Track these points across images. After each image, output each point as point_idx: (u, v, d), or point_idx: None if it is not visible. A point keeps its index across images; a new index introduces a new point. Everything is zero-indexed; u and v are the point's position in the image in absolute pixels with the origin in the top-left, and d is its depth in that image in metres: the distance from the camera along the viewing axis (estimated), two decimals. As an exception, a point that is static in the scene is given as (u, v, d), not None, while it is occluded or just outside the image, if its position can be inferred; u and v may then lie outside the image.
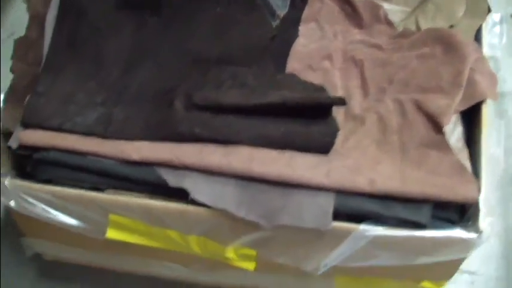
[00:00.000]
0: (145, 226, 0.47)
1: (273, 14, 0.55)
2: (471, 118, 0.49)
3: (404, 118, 0.48)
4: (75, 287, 0.65)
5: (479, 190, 0.44)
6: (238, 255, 0.48)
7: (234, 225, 0.45)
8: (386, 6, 0.56)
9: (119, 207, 0.46)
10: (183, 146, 0.46)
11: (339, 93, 0.51)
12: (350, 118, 0.49)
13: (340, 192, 0.44)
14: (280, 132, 0.46)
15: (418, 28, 0.54)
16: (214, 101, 0.47)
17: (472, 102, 0.48)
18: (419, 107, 0.48)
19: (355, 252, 0.44)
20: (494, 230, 0.45)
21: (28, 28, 0.54)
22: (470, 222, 0.44)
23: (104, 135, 0.48)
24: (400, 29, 0.55)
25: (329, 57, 0.53)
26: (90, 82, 0.51)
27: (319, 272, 0.46)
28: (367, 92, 0.51)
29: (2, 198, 0.47)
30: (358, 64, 0.52)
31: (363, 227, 0.43)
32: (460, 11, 0.54)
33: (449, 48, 0.50)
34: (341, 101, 0.47)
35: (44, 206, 0.47)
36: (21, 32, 0.59)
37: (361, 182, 0.43)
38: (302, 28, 0.55)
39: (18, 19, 0.87)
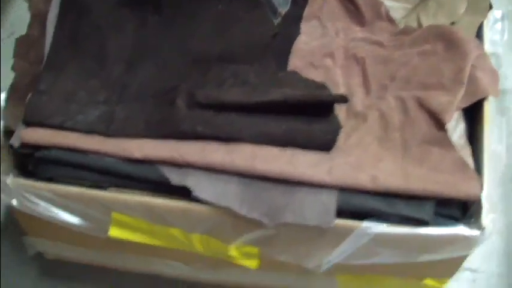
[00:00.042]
0: (147, 224, 0.47)
1: (275, 11, 0.55)
2: (473, 115, 0.50)
3: (406, 115, 0.48)
4: (77, 286, 0.65)
5: (481, 187, 0.44)
6: (240, 253, 0.48)
7: (236, 223, 0.45)
8: (387, 3, 0.56)
9: (121, 206, 0.46)
10: (185, 144, 0.46)
11: (341, 90, 0.51)
12: (352, 115, 0.49)
13: (342, 189, 0.44)
14: (283, 130, 0.45)
15: (420, 25, 0.54)
16: (216, 99, 0.47)
17: (474, 99, 0.48)
18: (421, 104, 0.48)
19: (358, 249, 0.44)
20: (495, 227, 0.45)
21: (29, 26, 0.54)
22: (472, 219, 0.44)
23: (106, 134, 0.47)
24: (401, 26, 0.55)
25: (331, 54, 0.53)
26: (91, 80, 0.51)
27: (322, 270, 0.46)
28: (368, 89, 0.51)
29: (3, 197, 0.47)
30: (360, 61, 0.52)
31: (365, 224, 0.43)
32: (462, 8, 0.54)
33: (451, 45, 0.50)
34: (343, 99, 0.47)
35: (46, 205, 0.47)
36: (21, 31, 0.59)
37: (363, 179, 0.43)
38: (304, 26, 0.55)
39: (18, 19, 0.87)
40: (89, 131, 0.48)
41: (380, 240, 0.43)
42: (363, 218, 0.43)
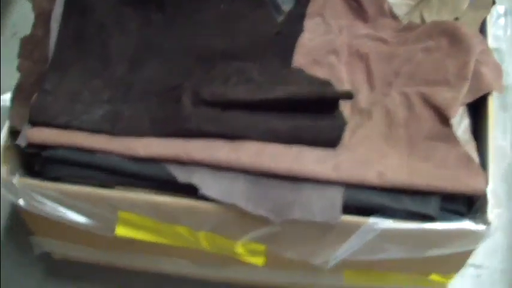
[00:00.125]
0: (154, 222, 0.47)
1: (278, 9, 0.55)
2: (477, 110, 0.50)
3: (411, 111, 0.48)
4: (83, 286, 0.65)
5: (486, 182, 0.44)
6: (247, 251, 0.48)
7: (242, 221, 0.45)
8: (390, 0, 0.56)
9: (128, 204, 0.46)
10: (191, 141, 0.46)
11: (345, 87, 0.51)
12: (356, 112, 0.49)
13: (348, 185, 0.44)
14: (288, 127, 0.46)
15: (423, 21, 0.54)
16: (221, 97, 0.47)
17: (478, 95, 0.48)
18: (426, 100, 0.48)
19: (364, 245, 0.44)
20: (499, 223, 0.45)
21: (34, 26, 0.54)
22: (478, 214, 0.44)
23: (112, 133, 0.47)
24: (404, 22, 0.55)
25: (334, 51, 0.53)
26: (96, 79, 0.51)
27: (329, 266, 0.46)
28: (373, 85, 0.51)
29: (11, 197, 0.47)
30: (364, 58, 0.52)
31: (371, 220, 0.43)
32: (465, 4, 0.54)
33: (455, 40, 0.50)
34: (348, 95, 0.47)
35: (52, 204, 0.47)
36: (24, 31, 0.59)
37: (369, 175, 0.44)
38: (307, 23, 0.55)
39: (20, 19, 0.87)
40: (94, 130, 0.48)
41: (386, 235, 0.43)
42: (369, 214, 0.43)
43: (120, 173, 0.46)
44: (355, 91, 0.50)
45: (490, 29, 0.53)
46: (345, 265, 0.47)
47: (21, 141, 0.47)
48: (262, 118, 0.46)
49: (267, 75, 0.50)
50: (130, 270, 0.62)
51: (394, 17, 0.55)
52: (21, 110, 0.49)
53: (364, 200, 0.44)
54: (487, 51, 0.50)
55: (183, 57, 0.53)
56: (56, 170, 0.47)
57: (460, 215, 0.44)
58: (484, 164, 0.46)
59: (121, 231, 0.48)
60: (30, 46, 0.52)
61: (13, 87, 0.52)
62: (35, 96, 0.49)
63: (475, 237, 0.44)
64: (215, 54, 0.52)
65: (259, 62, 0.52)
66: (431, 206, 0.43)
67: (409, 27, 0.54)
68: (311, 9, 0.56)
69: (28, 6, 0.60)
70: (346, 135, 0.47)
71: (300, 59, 0.53)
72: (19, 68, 0.52)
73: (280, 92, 0.46)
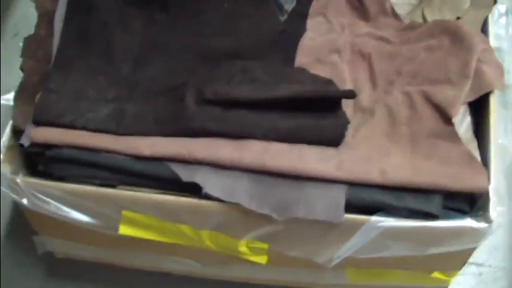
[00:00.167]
0: (157, 221, 0.47)
1: (281, 8, 0.55)
2: (478, 109, 0.50)
3: (413, 110, 0.48)
4: (85, 286, 0.65)
5: (488, 180, 0.44)
6: (250, 249, 0.48)
7: (246, 219, 0.45)
8: (392, -1, 0.56)
9: (132, 203, 0.46)
10: (194, 140, 0.46)
11: (348, 86, 0.51)
12: (359, 111, 0.50)
13: (351, 184, 0.44)
14: (291, 126, 0.46)
15: (425, 20, 0.55)
16: (225, 96, 0.47)
17: (480, 93, 0.48)
18: (428, 99, 0.48)
19: (368, 243, 0.44)
20: (501, 221, 0.45)
21: (37, 26, 0.54)
22: (480, 212, 0.44)
23: (116, 132, 0.48)
24: (406, 21, 0.55)
25: (337, 50, 0.53)
26: (100, 78, 0.51)
27: (332, 264, 0.46)
28: (375, 84, 0.51)
29: (15, 197, 0.47)
30: (366, 57, 0.53)
31: (374, 218, 0.43)
32: (466, 3, 0.54)
33: (456, 39, 0.50)
34: (351, 94, 0.47)
35: (56, 203, 0.47)
36: (25, 32, 0.59)
37: (372, 173, 0.44)
38: (309, 22, 0.56)
39: (21, 19, 0.87)
40: (99, 129, 0.48)
41: (389, 233, 0.44)
42: (372, 212, 0.44)
43: (123, 172, 0.46)
44: (358, 90, 0.50)
45: (492, 28, 0.53)
46: (348, 263, 0.47)
47: (25, 141, 0.47)
48: (266, 117, 0.46)
49: (270, 74, 0.50)
50: (133, 269, 0.62)
51: (396, 16, 0.56)
52: (25, 109, 0.49)
53: (366, 198, 0.44)
54: (488, 50, 0.51)
55: (187, 56, 0.53)
56: (60, 169, 0.47)
57: (463, 213, 0.45)
58: (485, 162, 0.46)
59: (125, 230, 0.48)
60: (33, 45, 0.53)
61: (16, 87, 0.53)
62: (39, 95, 0.49)
63: (477, 235, 0.44)
64: (219, 53, 0.53)
65: (262, 61, 0.52)
66: (434, 204, 0.44)
67: (411, 27, 0.54)
68: (313, 8, 0.56)
69: (29, 7, 0.60)
70: (349, 134, 0.47)
71: (302, 58, 0.53)
72: (22, 68, 0.52)
73: (283, 91, 0.46)
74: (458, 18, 0.54)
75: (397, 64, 0.51)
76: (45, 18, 0.53)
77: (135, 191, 0.46)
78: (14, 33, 0.86)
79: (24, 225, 0.58)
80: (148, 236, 0.48)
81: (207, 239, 0.48)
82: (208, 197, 0.44)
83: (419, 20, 0.55)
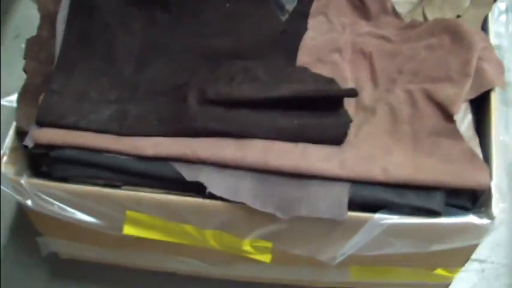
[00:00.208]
0: (161, 221, 0.47)
1: (282, 8, 0.55)
2: (479, 106, 0.50)
3: (414, 108, 0.48)
4: (90, 287, 0.65)
5: (490, 176, 0.45)
6: (254, 248, 0.48)
7: (250, 218, 0.45)
8: (393, -2, 0.57)
9: (136, 203, 0.46)
10: (197, 140, 0.46)
11: (349, 85, 0.51)
12: (361, 109, 0.50)
13: (354, 182, 0.44)
14: (294, 125, 0.46)
15: (425, 19, 0.55)
16: (227, 96, 0.47)
17: (481, 91, 0.49)
18: (429, 97, 0.48)
19: (371, 241, 0.45)
20: (503, 217, 0.46)
21: (39, 28, 0.54)
22: (482, 209, 0.44)
23: (119, 132, 0.48)
24: (407, 20, 0.55)
25: (338, 49, 0.53)
26: (102, 80, 0.52)
27: (336, 262, 0.47)
28: (376, 83, 0.51)
29: (18, 198, 0.47)
30: (367, 56, 0.53)
31: (377, 215, 0.44)
32: (466, 1, 0.54)
33: (457, 38, 0.50)
34: (353, 92, 0.47)
35: (60, 204, 0.47)
36: (26, 33, 0.59)
37: (374, 171, 0.44)
38: (311, 21, 0.56)
39: (23, 21, 0.87)
40: (102, 130, 0.48)
41: (392, 231, 0.44)
42: (375, 210, 0.44)
43: (127, 173, 0.46)
44: (359, 89, 0.50)
45: (492, 26, 0.54)
46: (351, 261, 0.48)
47: (29, 142, 0.48)
48: (268, 116, 0.47)
49: (272, 73, 0.50)
50: (137, 269, 0.62)
51: (396, 15, 0.56)
52: (28, 111, 0.50)
53: (369, 196, 0.44)
54: (488, 48, 0.51)
55: (188, 57, 0.53)
56: (64, 170, 0.47)
57: (465, 209, 0.45)
58: (487, 159, 0.46)
59: (129, 230, 0.48)
60: (36, 47, 0.53)
61: (18, 88, 0.53)
62: (42, 96, 0.50)
63: (480, 232, 0.44)
64: (219, 53, 0.53)
65: (264, 60, 0.52)
66: (436, 201, 0.44)
67: (412, 25, 0.54)
68: (314, 7, 0.57)
69: (31, 8, 0.61)
70: (351, 133, 0.47)
71: (304, 58, 0.53)
72: (25, 69, 0.53)
73: (285, 90, 0.47)
74: (458, 16, 0.54)
75: (398, 63, 0.52)
76: (48, 19, 0.53)
77: (139, 191, 0.46)
78: (15, 35, 0.87)
79: (27, 226, 0.58)
80: (152, 236, 0.49)
81: (211, 238, 0.48)
82: (212, 197, 0.45)
83: (420, 18, 0.55)
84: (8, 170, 0.48)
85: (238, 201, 0.44)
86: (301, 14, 0.56)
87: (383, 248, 0.45)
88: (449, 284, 0.55)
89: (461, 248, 0.46)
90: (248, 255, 0.49)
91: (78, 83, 0.51)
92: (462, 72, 0.48)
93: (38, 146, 0.47)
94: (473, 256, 0.50)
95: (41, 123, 0.48)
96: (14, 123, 0.50)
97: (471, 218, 0.44)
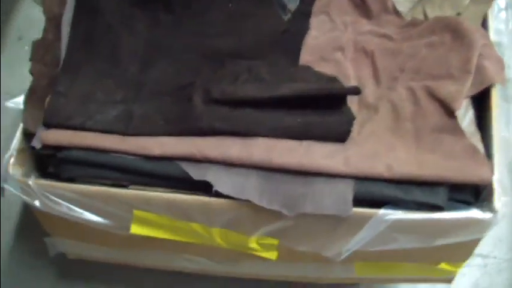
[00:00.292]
0: (168, 220, 0.48)
1: (284, 8, 0.56)
2: (480, 103, 0.51)
3: (416, 105, 0.49)
4: (98, 287, 0.66)
5: (492, 171, 0.45)
6: (260, 245, 0.49)
7: (256, 216, 0.46)
8: (393, -3, 0.57)
9: (143, 202, 0.47)
10: (203, 139, 0.47)
11: (352, 83, 0.52)
12: (364, 107, 0.50)
13: (358, 178, 0.45)
14: (298, 123, 0.47)
15: (426, 17, 0.55)
16: (231, 95, 0.48)
17: (482, 87, 0.49)
18: (431, 94, 0.49)
19: (376, 236, 0.45)
20: (507, 212, 0.46)
21: (45, 30, 0.55)
22: (485, 203, 0.45)
23: (125, 133, 0.48)
24: (408, 18, 0.56)
25: (340, 48, 0.54)
26: (108, 80, 0.52)
27: (341, 258, 0.47)
28: (379, 81, 0.52)
29: (26, 199, 0.48)
30: (369, 54, 0.53)
31: (382, 211, 0.44)
32: (466, -1, 0.55)
33: (458, 35, 0.51)
34: (356, 90, 0.48)
35: (68, 204, 0.47)
36: (29, 35, 0.60)
37: (378, 168, 0.45)
38: (313, 21, 0.56)
39: (25, 23, 0.88)
40: (108, 130, 0.48)
41: (397, 226, 0.44)
42: (379, 206, 0.44)
43: (134, 172, 0.47)
44: (362, 87, 0.51)
45: (492, 23, 0.54)
46: (356, 257, 0.48)
47: (36, 143, 0.48)
48: (272, 115, 0.47)
49: (276, 73, 0.50)
50: (145, 269, 0.63)
51: (397, 13, 0.56)
52: (35, 113, 0.50)
53: (374, 192, 0.45)
54: (489, 45, 0.51)
55: (191, 57, 0.54)
56: (71, 170, 0.48)
57: (468, 204, 0.46)
58: (489, 154, 0.47)
59: (136, 229, 0.48)
60: (41, 50, 0.53)
61: (20, 90, 0.53)
62: (48, 98, 0.50)
63: (483, 226, 0.45)
64: (223, 53, 0.53)
65: (267, 60, 0.53)
66: (440, 197, 0.44)
67: (413, 23, 0.55)
68: (316, 7, 0.57)
69: (33, 11, 0.61)
70: (355, 130, 0.48)
71: (306, 57, 0.54)
72: (31, 71, 0.53)
73: (289, 89, 0.47)
74: (458, 14, 0.55)
75: (399, 61, 0.52)
76: (53, 22, 0.54)
77: (146, 190, 0.47)
78: (18, 37, 0.87)
79: (33, 228, 0.58)
80: (159, 235, 0.49)
81: (217, 236, 0.49)
82: (218, 195, 0.45)
83: (421, 17, 0.56)
84: (15, 171, 0.48)
85: (245, 199, 0.45)
86: (304, 14, 0.57)
87: (388, 244, 0.46)
88: (452, 279, 0.56)
89: (465, 242, 0.47)
90: (254, 253, 0.50)
91: (83, 84, 0.51)
92: (463, 69, 0.49)
93: (45, 147, 0.48)
94: (476, 251, 0.51)
95: (47, 125, 0.49)
96: (21, 125, 0.51)
97: (474, 212, 0.44)
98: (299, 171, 0.45)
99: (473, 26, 0.52)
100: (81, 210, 0.48)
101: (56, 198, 0.47)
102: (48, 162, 0.49)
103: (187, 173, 0.46)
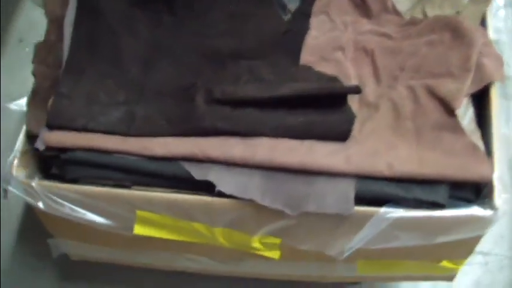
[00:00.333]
0: (171, 220, 0.48)
1: (284, 8, 0.56)
2: (480, 101, 0.51)
3: (417, 103, 0.49)
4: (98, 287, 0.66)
5: (493, 169, 0.45)
6: (263, 245, 0.49)
7: (258, 215, 0.46)
8: (393, -4, 0.57)
9: (146, 203, 0.47)
10: (206, 140, 0.47)
11: (353, 82, 0.52)
12: (364, 106, 0.51)
13: (360, 177, 0.45)
14: (300, 122, 0.47)
15: (425, 16, 0.56)
16: (233, 95, 0.48)
17: (481, 85, 0.50)
18: (431, 92, 0.49)
19: (378, 234, 0.45)
20: (507, 209, 0.47)
21: (47, 32, 0.55)
22: (486, 200, 0.45)
23: (128, 134, 0.49)
24: (407, 18, 0.56)
25: (341, 48, 0.54)
26: (110, 81, 0.52)
27: (344, 256, 0.47)
28: (379, 80, 0.52)
29: (30, 200, 0.48)
30: (369, 53, 0.54)
31: (383, 209, 0.44)
32: (465, -3, 0.55)
33: (457, 34, 0.51)
34: (356, 89, 0.48)
35: (72, 205, 0.48)
36: (30, 38, 0.60)
37: (380, 166, 0.45)
38: (313, 21, 0.57)
39: (26, 25, 0.88)
40: (111, 131, 0.49)
41: (398, 224, 0.45)
42: (381, 204, 0.45)
43: (137, 173, 0.47)
44: (362, 86, 0.51)
45: (491, 22, 0.54)
46: (358, 255, 0.48)
47: (40, 145, 0.48)
48: (274, 115, 0.47)
49: (277, 73, 0.51)
50: (147, 270, 0.63)
51: (397, 12, 0.57)
52: (38, 114, 0.50)
53: (375, 190, 0.45)
54: (488, 43, 0.52)
55: (192, 57, 0.54)
56: (75, 171, 0.48)
57: (468, 201, 0.46)
58: (489, 152, 0.47)
59: (139, 230, 0.49)
60: (44, 51, 0.54)
61: (20, 92, 0.54)
62: (51, 100, 0.50)
63: (484, 223, 0.45)
64: (224, 53, 0.54)
65: (268, 60, 0.53)
66: (441, 194, 0.45)
67: (412, 22, 0.55)
68: (316, 7, 0.57)
69: (33, 13, 0.61)
70: (356, 129, 0.48)
71: (307, 57, 0.54)
72: (34, 73, 0.53)
73: (290, 88, 0.48)
74: (458, 13, 0.55)
75: (399, 59, 0.52)
76: (55, 24, 0.54)
77: (148, 191, 0.47)
78: (18, 39, 0.87)
79: (35, 229, 0.59)
80: (162, 235, 0.49)
81: (220, 236, 0.49)
82: (221, 195, 0.45)
83: (420, 15, 0.56)
84: (19, 173, 0.48)
85: (248, 198, 0.45)
86: (304, 14, 0.57)
87: (389, 241, 0.46)
88: (454, 276, 0.56)
89: (466, 240, 0.47)
90: (257, 252, 0.50)
91: (86, 86, 0.51)
92: (463, 67, 0.49)
93: (48, 148, 0.48)
94: (477, 249, 0.51)
95: (51, 127, 0.49)
96: (24, 127, 0.51)
97: (475, 210, 0.45)
98: (301, 170, 0.45)
99: (473, 25, 0.52)
100: (84, 211, 0.48)
101: (59, 200, 0.48)
102: (51, 164, 0.49)
103: (189, 173, 0.46)
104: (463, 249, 0.51)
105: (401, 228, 0.45)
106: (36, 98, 0.52)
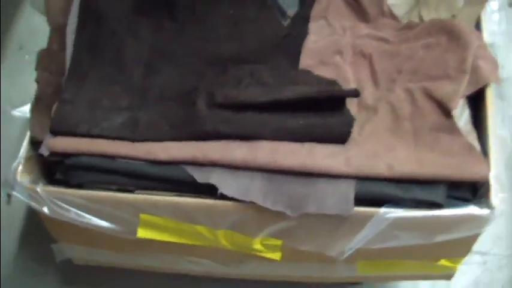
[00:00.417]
0: (174, 223, 0.49)
1: (283, 13, 0.57)
2: (476, 102, 0.52)
3: (414, 105, 0.50)
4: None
5: (489, 168, 0.46)
6: (264, 246, 0.50)
7: (260, 217, 0.47)
8: (389, 0, 0.58)
9: (149, 206, 0.48)
10: (208, 143, 0.48)
11: (351, 85, 0.53)
12: (363, 109, 0.51)
13: (359, 178, 0.46)
14: (300, 125, 0.48)
15: (422, 20, 0.57)
16: (234, 99, 0.49)
17: (477, 87, 0.51)
18: (428, 94, 0.50)
19: (377, 234, 0.46)
20: (504, 209, 0.47)
21: (50, 40, 0.55)
22: (483, 199, 0.46)
23: (132, 139, 0.49)
24: (404, 21, 0.57)
25: (339, 52, 0.55)
26: (112, 87, 0.53)
27: (344, 256, 0.48)
28: (377, 83, 0.53)
29: (35, 205, 0.48)
30: (367, 57, 0.55)
31: (383, 210, 0.45)
32: (460, 1, 0.56)
33: (453, 37, 0.52)
34: (355, 93, 0.49)
35: (76, 210, 0.48)
36: (30, 45, 0.60)
37: (379, 167, 0.46)
38: (312, 26, 0.58)
39: (26, 33, 0.88)
40: (114, 137, 0.49)
41: (398, 224, 0.45)
42: (381, 205, 0.45)
43: (140, 177, 0.48)
44: (361, 89, 0.52)
45: (485, 25, 0.55)
46: (358, 255, 0.49)
47: (44, 151, 0.49)
48: (275, 118, 0.48)
49: (277, 77, 0.52)
50: (150, 273, 0.63)
51: (393, 17, 0.58)
52: (41, 120, 0.51)
53: (374, 191, 0.46)
54: (483, 46, 0.53)
55: (194, 62, 0.55)
56: (79, 176, 0.48)
57: (466, 201, 0.47)
58: (485, 152, 0.48)
59: (143, 233, 0.49)
60: (46, 59, 0.54)
61: (21, 99, 0.54)
62: (55, 106, 0.51)
63: (481, 221, 0.46)
64: (225, 57, 0.54)
65: (269, 64, 0.54)
66: (439, 194, 0.46)
67: (409, 26, 0.56)
68: (315, 12, 0.58)
69: (33, 20, 0.62)
70: (355, 131, 0.49)
71: (307, 60, 0.55)
72: (37, 80, 0.54)
73: (289, 92, 0.48)
74: (453, 16, 0.56)
75: (397, 63, 0.53)
76: (58, 31, 0.54)
77: (151, 194, 0.48)
78: (18, 47, 0.87)
79: (37, 235, 0.59)
80: (166, 238, 0.50)
81: (222, 238, 0.49)
82: (223, 198, 0.46)
83: (416, 19, 0.57)
84: (24, 179, 0.49)
85: (249, 200, 0.45)
86: (303, 19, 0.58)
87: (389, 241, 0.47)
88: (452, 275, 0.57)
89: (464, 238, 0.48)
90: (259, 254, 0.50)
91: (89, 91, 0.52)
92: (459, 69, 0.50)
93: (53, 154, 0.48)
94: (475, 249, 0.51)
95: (54, 132, 0.49)
96: (28, 133, 0.51)
97: (472, 209, 0.45)
98: (302, 173, 0.46)
99: (468, 28, 0.53)
100: (88, 216, 0.49)
101: (64, 205, 0.48)
102: (55, 169, 0.50)
103: (192, 177, 0.47)
104: (461, 248, 0.52)
105: (401, 227, 0.46)
106: (39, 104, 0.52)
